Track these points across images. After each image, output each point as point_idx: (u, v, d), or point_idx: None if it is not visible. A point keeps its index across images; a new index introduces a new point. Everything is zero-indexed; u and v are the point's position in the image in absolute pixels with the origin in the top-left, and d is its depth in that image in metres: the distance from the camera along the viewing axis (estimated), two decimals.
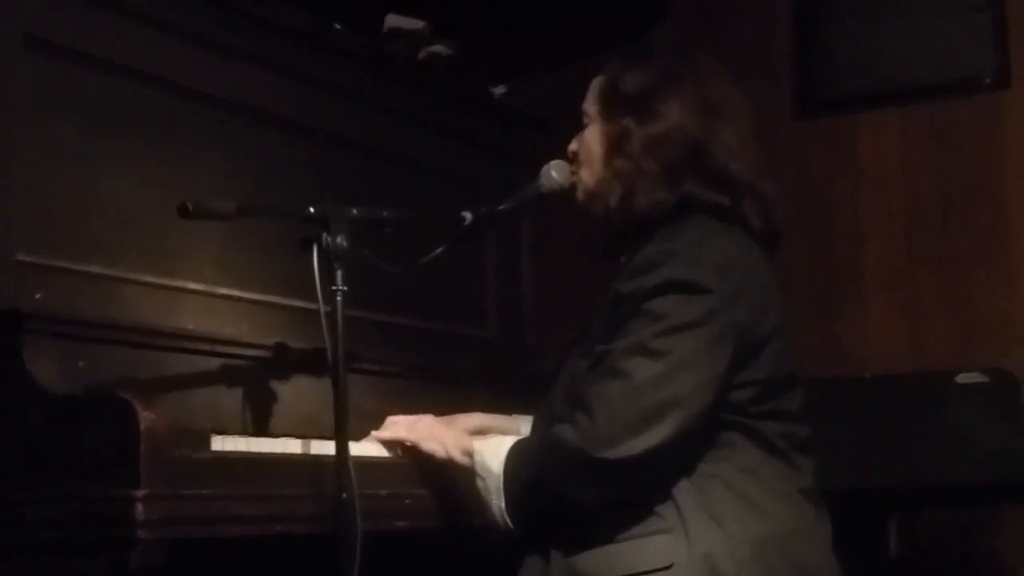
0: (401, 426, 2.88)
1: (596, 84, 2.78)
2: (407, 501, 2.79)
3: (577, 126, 2.83)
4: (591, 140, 2.74)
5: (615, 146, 2.67)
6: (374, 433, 2.90)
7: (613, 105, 2.70)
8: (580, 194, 2.79)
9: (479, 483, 2.64)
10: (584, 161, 2.76)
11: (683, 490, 2.52)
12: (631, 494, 2.51)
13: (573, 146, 2.81)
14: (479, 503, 2.65)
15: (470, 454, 2.70)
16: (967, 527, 4.44)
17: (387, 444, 2.86)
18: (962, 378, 3.86)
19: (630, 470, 2.48)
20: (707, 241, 2.57)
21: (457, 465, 2.74)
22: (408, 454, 2.85)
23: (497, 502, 2.60)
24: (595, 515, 2.53)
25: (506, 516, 2.60)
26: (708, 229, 2.60)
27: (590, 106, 2.77)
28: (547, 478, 2.56)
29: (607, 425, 2.47)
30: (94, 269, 2.80)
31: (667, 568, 2.47)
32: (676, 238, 2.57)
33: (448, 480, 2.82)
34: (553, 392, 2.72)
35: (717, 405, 2.53)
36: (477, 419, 2.93)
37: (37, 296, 2.65)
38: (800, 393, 2.67)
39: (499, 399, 3.16)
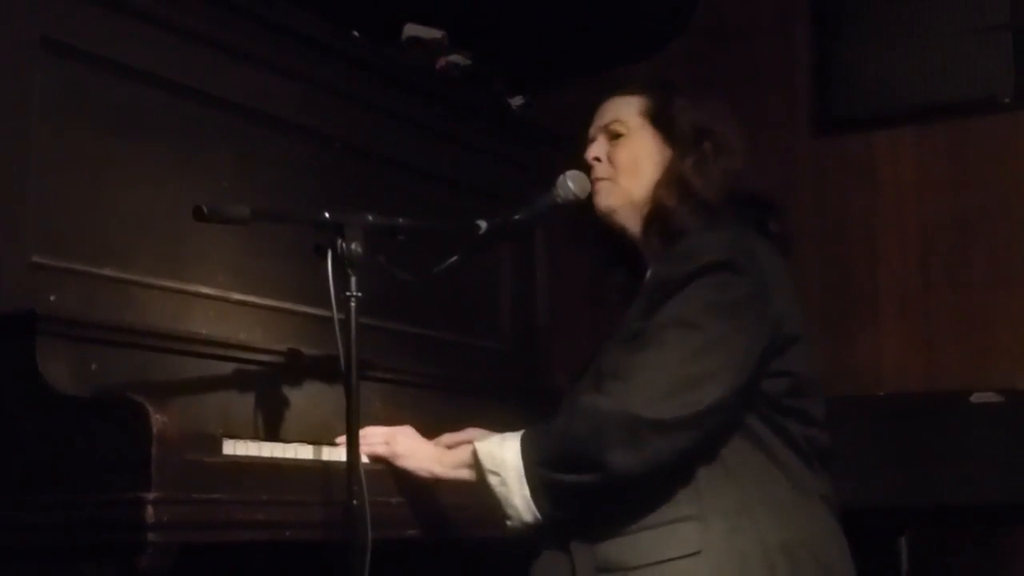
0: (378, 440, 2.80)
1: (635, 101, 2.82)
2: (417, 509, 2.78)
3: (589, 136, 2.85)
4: (639, 153, 2.78)
5: (689, 169, 2.71)
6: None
7: (675, 128, 2.76)
8: (611, 200, 2.79)
9: (492, 480, 2.58)
10: (626, 171, 2.78)
11: (710, 478, 2.53)
12: (670, 461, 2.50)
13: (598, 152, 2.81)
14: (496, 504, 2.59)
15: (468, 462, 2.65)
16: (979, 548, 4.41)
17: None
18: (976, 398, 3.85)
19: (671, 431, 2.47)
20: (743, 236, 2.64)
21: (451, 480, 2.71)
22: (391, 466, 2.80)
23: (520, 491, 2.55)
24: (627, 489, 2.51)
25: (532, 505, 2.55)
26: (744, 229, 2.67)
27: (630, 118, 2.80)
28: (580, 448, 2.51)
29: (645, 389, 2.48)
30: (108, 272, 2.80)
31: (695, 554, 2.47)
32: (715, 231, 2.64)
33: (458, 490, 2.81)
34: (581, 385, 2.71)
35: (751, 390, 2.54)
36: (469, 434, 2.91)
37: (51, 298, 2.65)
38: (823, 403, 2.69)
39: (511, 410, 3.16)
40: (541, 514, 2.56)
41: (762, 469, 2.56)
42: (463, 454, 2.68)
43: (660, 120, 2.78)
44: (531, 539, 2.64)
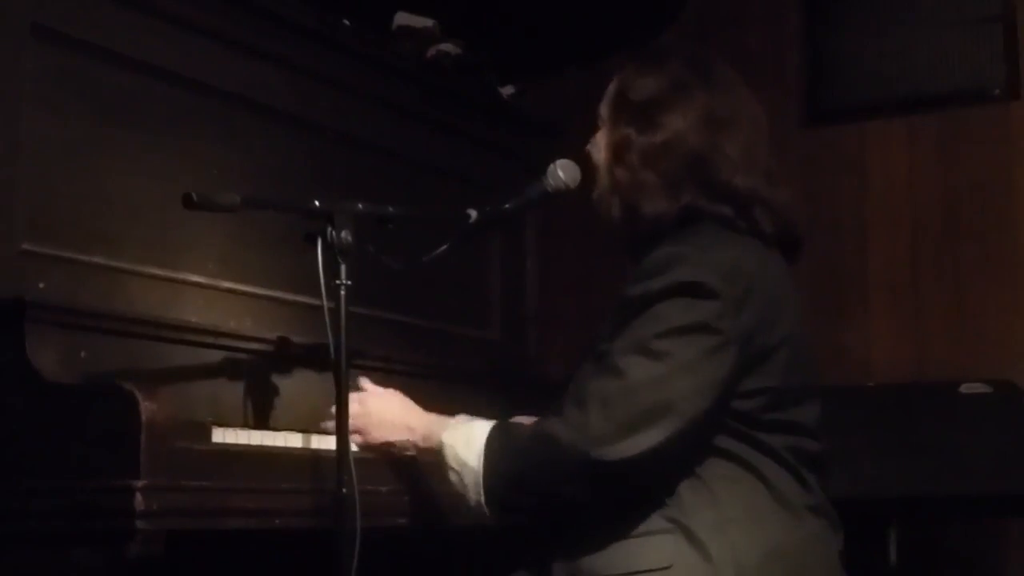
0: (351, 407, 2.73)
1: (610, 88, 2.74)
2: (407, 498, 2.78)
3: (593, 128, 2.82)
4: (601, 145, 2.71)
5: (616, 154, 2.64)
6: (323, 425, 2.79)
7: (620, 112, 2.67)
8: (593, 196, 2.76)
9: (452, 476, 2.59)
10: (596, 165, 2.73)
11: (689, 493, 2.48)
12: (624, 494, 2.48)
13: (589, 146, 2.79)
14: (452, 494, 2.61)
15: (436, 449, 2.64)
16: (968, 538, 4.43)
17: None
18: (966, 388, 3.85)
19: (624, 471, 2.44)
20: (715, 247, 2.53)
21: (420, 449, 2.71)
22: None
23: (475, 496, 2.55)
24: (585, 510, 2.50)
25: (484, 508, 2.55)
26: (716, 236, 2.56)
27: (603, 110, 2.73)
28: (535, 475, 2.52)
29: (602, 424, 2.43)
30: (98, 260, 2.80)
31: (666, 568, 2.44)
32: (684, 243, 2.54)
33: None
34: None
35: (720, 412, 2.49)
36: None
37: (40, 286, 2.64)
38: (816, 407, 2.62)
39: (500, 400, 3.16)
40: (492, 517, 2.57)
41: (742, 485, 2.50)
42: (434, 441, 2.66)
43: (616, 107, 2.68)
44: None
